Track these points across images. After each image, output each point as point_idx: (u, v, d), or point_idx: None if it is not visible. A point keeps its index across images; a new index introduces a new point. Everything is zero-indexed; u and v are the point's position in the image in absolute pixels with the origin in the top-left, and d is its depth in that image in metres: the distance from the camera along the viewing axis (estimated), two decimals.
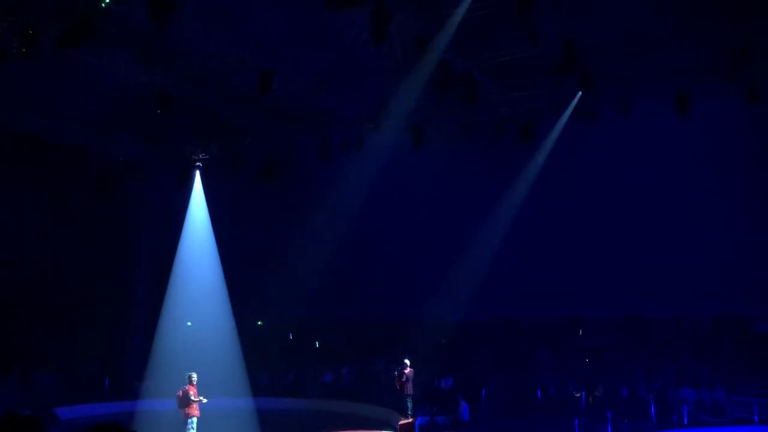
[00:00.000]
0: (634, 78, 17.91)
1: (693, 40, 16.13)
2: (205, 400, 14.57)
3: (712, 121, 21.53)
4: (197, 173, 26.33)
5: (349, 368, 25.32)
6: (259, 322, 28.81)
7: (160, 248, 26.80)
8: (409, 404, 17.23)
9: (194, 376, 14.71)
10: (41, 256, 25.05)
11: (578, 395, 19.70)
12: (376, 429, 18.71)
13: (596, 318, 24.26)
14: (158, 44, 17.18)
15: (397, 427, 17.29)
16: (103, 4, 13.43)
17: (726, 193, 21.41)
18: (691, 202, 21.26)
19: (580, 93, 18.22)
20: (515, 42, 16.37)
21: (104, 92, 20.01)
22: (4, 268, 23.85)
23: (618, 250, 22.51)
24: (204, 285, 24.87)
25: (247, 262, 24.91)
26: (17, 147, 21.49)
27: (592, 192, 23.49)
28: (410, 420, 17.15)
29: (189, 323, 25.79)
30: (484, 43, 16.91)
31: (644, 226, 22.09)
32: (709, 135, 22.49)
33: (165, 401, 19.05)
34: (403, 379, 17.23)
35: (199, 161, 25.94)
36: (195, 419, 14.41)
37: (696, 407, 18.47)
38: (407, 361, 17.65)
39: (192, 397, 14.35)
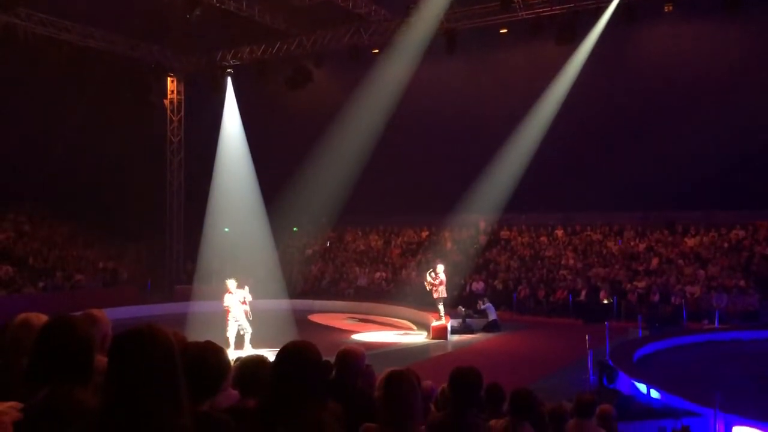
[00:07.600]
0: None
1: None
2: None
3: (761, 23, 20.43)
4: (229, 80, 26.28)
5: (383, 273, 25.82)
6: (294, 228, 29.32)
7: (198, 155, 27.04)
8: (441, 307, 17.58)
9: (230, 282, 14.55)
10: (87, 154, 25.51)
11: (608, 302, 19.88)
12: (409, 330, 19.30)
13: (629, 224, 24.09)
14: None
15: (430, 328, 17.79)
16: None
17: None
18: (728, 107, 20.48)
19: None
20: None
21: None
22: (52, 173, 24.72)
23: (653, 154, 21.97)
24: (240, 192, 25.26)
25: (279, 168, 25.07)
26: (62, 55, 21.89)
27: (630, 96, 22.78)
28: (443, 322, 17.58)
29: (226, 229, 26.40)
30: None
31: (680, 130, 21.39)
32: (756, 38, 21.40)
33: (205, 303, 19.79)
34: (436, 282, 17.49)
35: (230, 68, 25.79)
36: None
37: (728, 313, 18.51)
38: (440, 266, 17.88)
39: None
